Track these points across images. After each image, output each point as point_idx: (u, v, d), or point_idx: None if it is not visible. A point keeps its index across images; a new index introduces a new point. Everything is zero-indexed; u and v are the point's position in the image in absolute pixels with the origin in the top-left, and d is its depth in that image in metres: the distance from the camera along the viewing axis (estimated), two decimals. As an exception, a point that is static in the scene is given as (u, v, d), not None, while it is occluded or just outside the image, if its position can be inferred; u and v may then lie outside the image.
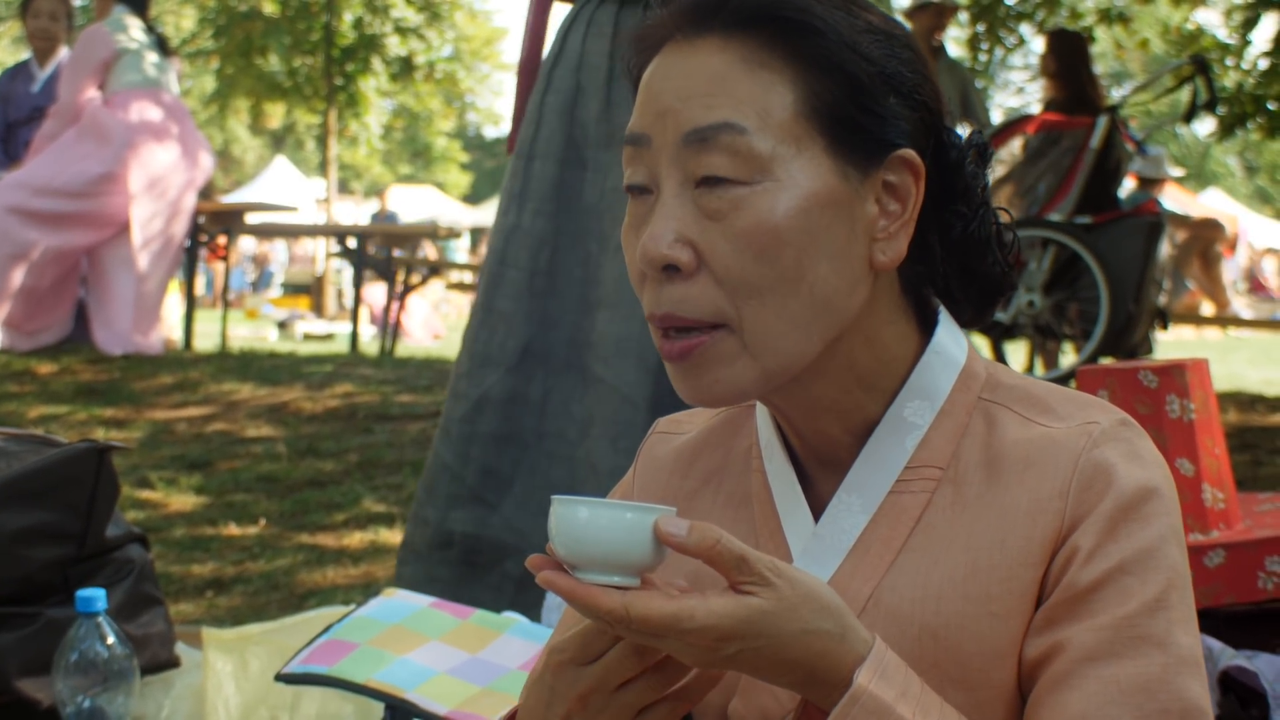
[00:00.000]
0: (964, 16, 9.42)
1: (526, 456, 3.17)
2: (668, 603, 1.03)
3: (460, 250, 21.92)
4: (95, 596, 2.25)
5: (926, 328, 1.27)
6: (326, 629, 2.20)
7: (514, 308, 3.18)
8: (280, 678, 2.13)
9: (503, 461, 3.16)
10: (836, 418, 1.24)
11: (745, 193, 1.15)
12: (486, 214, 28.02)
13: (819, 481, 1.27)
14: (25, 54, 8.22)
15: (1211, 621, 2.45)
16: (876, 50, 1.18)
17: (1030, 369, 7.77)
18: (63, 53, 7.68)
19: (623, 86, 3.17)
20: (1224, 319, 12.37)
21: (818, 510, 1.24)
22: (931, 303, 1.28)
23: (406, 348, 10.63)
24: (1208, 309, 12.61)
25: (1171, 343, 12.66)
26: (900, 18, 8.11)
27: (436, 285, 15.70)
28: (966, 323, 1.30)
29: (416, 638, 2.14)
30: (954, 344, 1.26)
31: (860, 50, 1.17)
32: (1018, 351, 8.31)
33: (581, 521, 1.05)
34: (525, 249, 3.20)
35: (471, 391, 3.18)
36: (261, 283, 22.30)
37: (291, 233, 14.95)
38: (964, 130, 1.28)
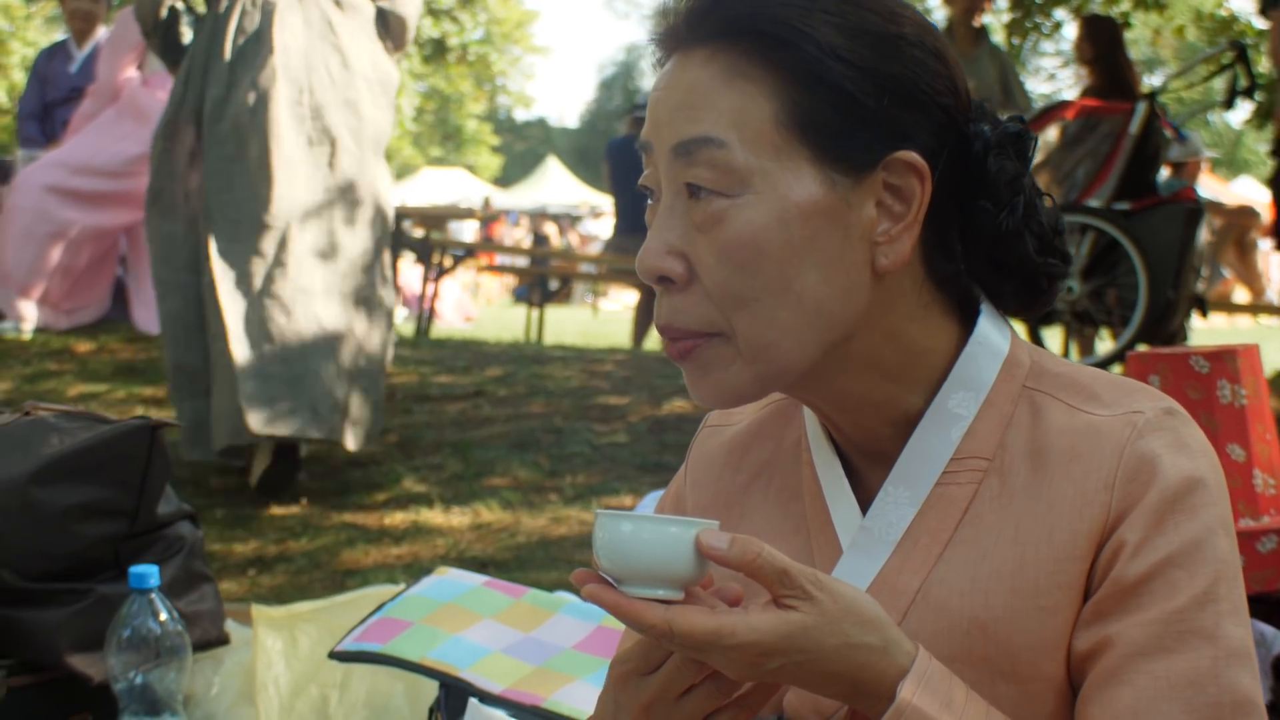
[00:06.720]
0: (1001, 2, 9.37)
1: None
2: (710, 618, 1.05)
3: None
4: (149, 573, 2.26)
5: (969, 319, 1.26)
6: (379, 607, 2.20)
7: None
8: (334, 655, 2.14)
9: None
10: (871, 411, 1.24)
11: (726, 205, 1.16)
12: (517, 197, 28.02)
13: (866, 474, 1.27)
14: (59, 34, 8.24)
15: (1264, 607, 2.46)
16: (869, 54, 1.16)
17: (1065, 355, 7.75)
18: (101, 32, 7.70)
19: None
20: (1259, 306, 12.28)
21: (865, 503, 1.25)
22: (974, 294, 1.27)
23: (440, 329, 10.65)
24: (1241, 296, 12.52)
25: (1204, 330, 12.56)
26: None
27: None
28: (1014, 313, 1.28)
29: (470, 616, 2.14)
30: (997, 334, 1.25)
31: (845, 57, 1.16)
32: (1053, 337, 8.28)
33: (625, 536, 1.07)
34: None
35: None
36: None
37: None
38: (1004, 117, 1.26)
